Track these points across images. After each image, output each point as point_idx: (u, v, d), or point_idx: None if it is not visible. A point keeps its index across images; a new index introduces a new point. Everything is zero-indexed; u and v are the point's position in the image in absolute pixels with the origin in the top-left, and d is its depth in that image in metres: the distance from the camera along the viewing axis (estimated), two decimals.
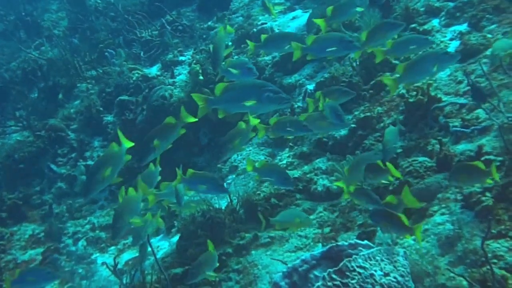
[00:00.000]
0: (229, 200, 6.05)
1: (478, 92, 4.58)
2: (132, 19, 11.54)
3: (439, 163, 4.75)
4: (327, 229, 5.36)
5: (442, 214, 4.35)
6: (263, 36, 5.29)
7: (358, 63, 6.26)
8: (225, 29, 5.32)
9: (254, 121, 4.93)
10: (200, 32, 10.22)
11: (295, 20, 8.97)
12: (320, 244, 5.25)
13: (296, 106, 6.87)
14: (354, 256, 3.62)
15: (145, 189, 4.95)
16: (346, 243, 3.85)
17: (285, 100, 4.24)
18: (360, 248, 3.81)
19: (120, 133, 4.29)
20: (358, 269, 3.48)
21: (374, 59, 5.98)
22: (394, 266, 3.62)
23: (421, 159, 4.85)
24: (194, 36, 10.12)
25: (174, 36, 10.40)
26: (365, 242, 3.85)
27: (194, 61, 8.29)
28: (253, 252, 5.47)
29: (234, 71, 4.91)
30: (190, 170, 4.83)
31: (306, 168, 6.03)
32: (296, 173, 6.00)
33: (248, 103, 4.16)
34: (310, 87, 6.55)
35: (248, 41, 5.39)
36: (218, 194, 5.87)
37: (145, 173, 5.34)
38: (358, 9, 5.03)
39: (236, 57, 8.50)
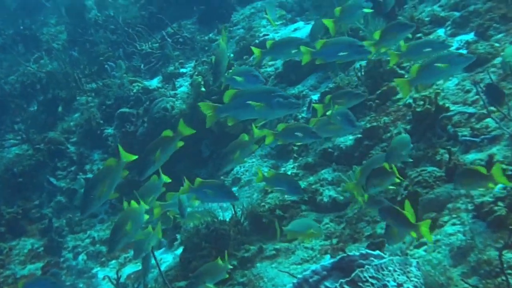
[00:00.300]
0: (233, 212, 5.96)
1: (495, 92, 4.52)
2: (132, 32, 11.50)
3: (448, 173, 4.67)
4: (334, 241, 5.27)
5: (453, 224, 4.27)
6: (269, 42, 5.17)
7: (363, 72, 6.22)
8: (225, 40, 5.25)
9: (258, 133, 4.83)
10: (201, 44, 10.18)
11: (297, 32, 8.97)
12: (327, 256, 5.17)
13: (300, 116, 6.81)
14: (366, 266, 3.54)
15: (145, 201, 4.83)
16: (357, 253, 3.78)
17: (295, 105, 4.17)
18: (372, 259, 3.74)
19: (120, 147, 4.16)
20: (370, 280, 3.40)
21: (380, 68, 6.02)
22: (407, 277, 3.54)
23: (430, 168, 4.78)
24: (195, 48, 10.09)
25: (175, 48, 10.38)
26: (377, 252, 3.78)
27: (196, 73, 8.24)
28: (258, 264, 5.40)
29: (239, 78, 4.83)
30: (198, 179, 4.74)
31: (311, 179, 5.97)
32: (301, 184, 5.92)
33: (258, 109, 4.08)
34: (315, 97, 6.51)
35: (254, 48, 5.28)
36: (228, 202, 5.73)
37: (148, 185, 5.25)
38: (366, 10, 4.95)
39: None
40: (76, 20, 13.51)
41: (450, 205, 4.47)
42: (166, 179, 5.06)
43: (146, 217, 4.43)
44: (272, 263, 5.42)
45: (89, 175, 9.05)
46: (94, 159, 9.35)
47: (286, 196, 5.65)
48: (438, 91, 5.30)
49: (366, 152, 5.60)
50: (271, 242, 5.68)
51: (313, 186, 5.85)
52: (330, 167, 5.93)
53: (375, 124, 5.66)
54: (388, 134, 5.51)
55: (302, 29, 9.00)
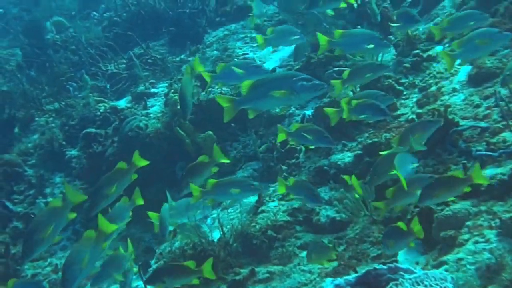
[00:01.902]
0: (221, 232, 5.62)
1: None
2: (95, 52, 11.14)
3: None
4: (334, 263, 4.97)
5: (476, 242, 4.06)
6: (219, 66, 4.87)
7: (358, 87, 6.05)
8: (192, 68, 4.95)
9: (218, 154, 4.77)
10: (172, 65, 9.90)
11: (277, 53, 8.78)
12: (328, 279, 4.85)
13: None
14: (401, 279, 3.29)
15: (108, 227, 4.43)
16: (385, 267, 3.52)
17: (320, 86, 3.92)
18: (401, 273, 3.47)
19: (67, 187, 4.01)
20: None
21: (378, 83, 5.86)
22: None
23: None
24: (168, 67, 9.79)
25: (144, 69, 10.05)
26: (406, 266, 3.52)
27: (172, 91, 7.92)
28: None
29: (238, 71, 4.55)
30: (211, 180, 4.39)
31: None
32: (295, 204, 5.65)
33: (281, 96, 3.80)
34: (308, 112, 6.29)
35: (204, 74, 4.98)
36: (253, 195, 5.45)
37: (117, 208, 4.83)
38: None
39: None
40: (33, 39, 13.05)
41: (469, 223, 4.28)
42: (139, 201, 4.79)
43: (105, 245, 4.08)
44: (266, 287, 5.07)
45: (50, 199, 8.51)
46: (56, 182, 8.85)
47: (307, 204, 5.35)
48: (448, 104, 5.15)
49: (367, 170, 5.36)
50: (263, 265, 5.35)
51: (309, 206, 5.55)
52: (326, 186, 5.67)
53: (376, 140, 5.45)
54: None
55: (281, 50, 8.83)
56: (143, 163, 4.32)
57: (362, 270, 4.63)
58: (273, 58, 8.68)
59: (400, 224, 4.02)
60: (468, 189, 3.89)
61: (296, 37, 5.74)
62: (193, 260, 5.23)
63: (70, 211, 3.95)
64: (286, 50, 8.65)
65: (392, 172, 4.13)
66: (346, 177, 4.83)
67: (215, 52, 9.93)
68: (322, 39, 4.62)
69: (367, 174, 5.32)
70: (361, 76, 4.98)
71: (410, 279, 3.26)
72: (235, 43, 9.79)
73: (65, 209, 3.90)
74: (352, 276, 3.50)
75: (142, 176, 7.46)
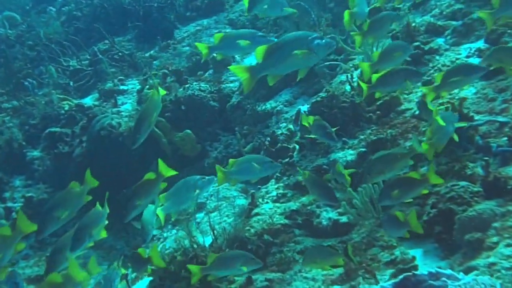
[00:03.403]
0: (213, 237, 5.26)
1: None
2: (56, 48, 10.59)
3: (486, 188, 4.23)
4: (339, 270, 4.65)
5: (509, 245, 3.79)
6: (217, 36, 4.49)
7: (355, 82, 5.79)
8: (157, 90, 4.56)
9: (164, 169, 4.35)
10: (142, 61, 9.47)
11: None
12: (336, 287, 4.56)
13: (279, 133, 6.25)
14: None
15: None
16: (425, 272, 3.21)
17: (334, 42, 3.80)
18: (444, 279, 3.16)
19: (20, 215, 3.82)
20: None
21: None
22: None
23: (462, 183, 4.32)
24: (137, 64, 9.35)
25: (111, 65, 9.59)
26: (449, 271, 3.22)
27: (147, 87, 7.51)
28: None
29: (244, 43, 4.25)
30: (232, 160, 4.50)
31: (304, 199, 5.40)
32: (293, 206, 5.32)
33: (301, 57, 3.64)
34: (304, 108, 5.98)
35: (198, 44, 4.67)
36: (273, 172, 5.28)
37: (90, 215, 4.45)
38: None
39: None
40: None
41: (496, 224, 4.01)
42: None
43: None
44: None
45: (9, 204, 7.98)
46: (16, 185, 8.29)
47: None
48: (463, 97, 4.91)
49: None
50: (260, 272, 4.99)
51: (308, 208, 5.25)
52: None
53: (382, 136, 5.18)
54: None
55: None
56: (95, 183, 4.14)
57: (380, 275, 4.39)
58: (253, 55, 8.34)
59: (398, 213, 3.94)
60: (425, 191, 4.02)
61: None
62: (185, 268, 4.94)
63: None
64: None
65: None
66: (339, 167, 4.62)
67: (187, 48, 9.56)
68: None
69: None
70: (381, 28, 4.88)
71: (459, 286, 2.97)
72: (209, 39, 9.43)
73: (14, 239, 3.75)
74: (388, 283, 3.18)
75: (115, 178, 7.21)
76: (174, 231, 6.59)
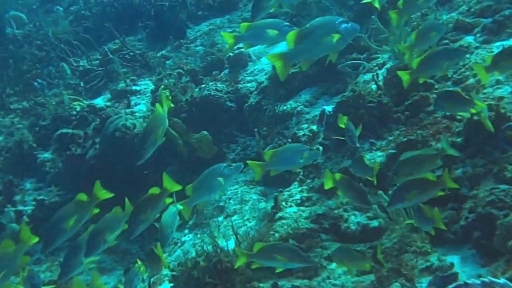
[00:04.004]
0: (236, 242, 5.13)
1: None
2: (65, 47, 10.48)
3: None
4: (371, 277, 4.50)
5: None
6: (243, 25, 4.46)
7: (380, 81, 5.64)
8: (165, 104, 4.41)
9: (169, 184, 4.19)
10: (154, 60, 9.34)
11: (274, 47, 8.31)
12: None
13: (301, 134, 6.10)
14: None
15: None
16: (478, 281, 3.08)
17: (358, 27, 3.87)
18: None
19: (24, 228, 3.75)
20: None
21: None
22: None
23: (503, 186, 4.17)
24: (149, 63, 9.22)
25: (122, 65, 9.45)
26: (503, 280, 3.08)
27: (162, 87, 7.37)
28: None
29: (272, 32, 4.22)
30: (269, 152, 4.37)
31: (331, 203, 5.23)
32: (319, 209, 5.17)
33: (333, 41, 3.74)
34: (329, 108, 5.83)
35: (224, 33, 4.63)
36: (314, 159, 5.04)
37: (107, 218, 4.32)
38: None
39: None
40: None
41: None
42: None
43: None
44: None
45: (20, 207, 7.84)
46: (26, 188, 8.16)
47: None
48: (502, 96, 4.76)
49: None
50: (286, 278, 4.84)
51: (335, 212, 5.09)
52: None
53: (412, 137, 5.02)
54: None
55: (276, 46, 8.38)
56: (106, 195, 4.00)
57: (417, 284, 4.23)
58: (270, 53, 8.19)
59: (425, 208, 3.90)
60: (441, 193, 3.88)
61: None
62: (209, 274, 4.81)
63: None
64: (284, 44, 8.19)
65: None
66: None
67: (200, 47, 9.43)
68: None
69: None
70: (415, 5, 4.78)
71: None
72: (223, 38, 9.29)
73: (18, 253, 3.64)
74: None
75: (130, 180, 7.07)
76: (191, 235, 6.46)
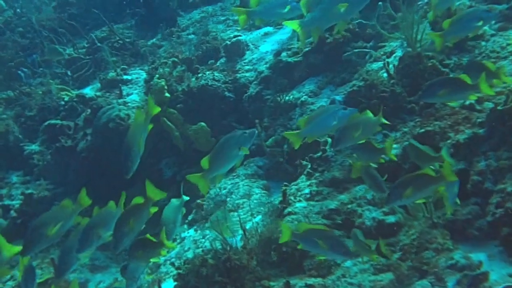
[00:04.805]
0: (244, 238, 4.93)
1: None
2: (50, 35, 10.16)
3: None
4: (389, 275, 4.33)
5: None
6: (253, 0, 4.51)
7: (394, 69, 5.46)
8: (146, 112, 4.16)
9: (153, 192, 4.00)
10: (145, 49, 9.07)
11: (270, 36, 8.13)
12: None
13: None
14: None
15: None
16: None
17: None
18: None
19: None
20: None
21: (420, 65, 5.29)
22: None
23: None
24: (139, 52, 8.95)
25: (111, 53, 9.17)
26: None
27: (157, 76, 7.11)
28: None
29: (284, 10, 4.37)
30: (303, 119, 4.21)
31: (343, 197, 5.05)
32: (331, 204, 4.98)
33: (342, 9, 3.90)
34: (339, 98, 5.63)
35: (234, 8, 4.80)
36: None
37: (101, 213, 4.11)
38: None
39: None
40: None
41: None
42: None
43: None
44: None
45: (7, 202, 7.55)
46: (13, 181, 7.86)
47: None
48: None
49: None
50: (298, 276, 4.65)
51: (348, 207, 4.90)
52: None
53: (430, 128, 4.84)
54: (448, 141, 4.70)
55: (274, 34, 8.18)
56: (87, 202, 3.97)
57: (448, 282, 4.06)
58: (267, 42, 7.99)
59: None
60: (441, 188, 3.75)
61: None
62: (218, 272, 4.61)
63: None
64: (281, 32, 7.99)
65: None
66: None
67: (192, 36, 9.17)
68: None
69: (417, 168, 4.73)
70: None
71: None
72: (216, 26, 9.08)
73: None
74: None
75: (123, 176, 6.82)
76: (191, 231, 6.24)
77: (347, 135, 4.08)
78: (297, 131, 4.29)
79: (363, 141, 4.28)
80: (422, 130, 4.92)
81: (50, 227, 3.71)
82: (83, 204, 3.93)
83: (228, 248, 4.75)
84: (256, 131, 4.27)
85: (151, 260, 4.32)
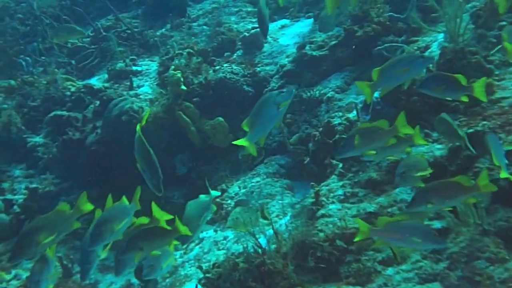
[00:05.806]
0: (277, 241, 4.66)
1: None
2: (52, 23, 9.82)
3: None
4: (436, 285, 4.06)
5: None
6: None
7: (434, 66, 5.20)
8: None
9: (159, 214, 3.83)
10: (155, 40, 8.76)
11: (287, 29, 7.85)
12: None
13: (336, 122, 5.63)
14: None
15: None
16: None
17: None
18: None
19: None
20: None
21: (463, 60, 5.04)
22: None
23: None
24: (149, 42, 8.64)
25: (118, 43, 8.85)
26: None
27: (173, 67, 6.79)
28: None
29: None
30: (377, 69, 3.94)
31: (382, 200, 4.77)
32: (368, 207, 4.72)
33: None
34: (376, 94, 5.35)
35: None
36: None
37: (114, 207, 3.87)
38: None
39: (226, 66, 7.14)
40: None
41: None
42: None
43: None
44: None
45: (9, 196, 7.22)
46: (15, 175, 7.53)
47: None
48: None
49: (467, 166, 4.48)
50: (334, 284, 4.39)
51: (388, 210, 4.63)
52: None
53: (479, 128, 4.58)
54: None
55: (290, 27, 7.92)
56: (89, 207, 3.70)
57: None
58: (286, 34, 7.71)
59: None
60: (473, 200, 3.63)
61: None
62: (252, 277, 4.35)
63: None
64: (299, 25, 7.73)
65: None
66: None
67: (204, 27, 8.86)
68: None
69: (465, 172, 4.47)
70: None
71: None
72: (229, 18, 8.78)
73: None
74: None
75: (135, 171, 6.52)
76: (211, 232, 5.95)
77: (354, 143, 3.86)
78: (370, 82, 4.02)
79: (373, 152, 4.07)
80: (471, 130, 4.65)
81: (43, 233, 3.42)
82: (83, 209, 3.66)
83: (261, 252, 4.48)
84: (294, 89, 4.10)
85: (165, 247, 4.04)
